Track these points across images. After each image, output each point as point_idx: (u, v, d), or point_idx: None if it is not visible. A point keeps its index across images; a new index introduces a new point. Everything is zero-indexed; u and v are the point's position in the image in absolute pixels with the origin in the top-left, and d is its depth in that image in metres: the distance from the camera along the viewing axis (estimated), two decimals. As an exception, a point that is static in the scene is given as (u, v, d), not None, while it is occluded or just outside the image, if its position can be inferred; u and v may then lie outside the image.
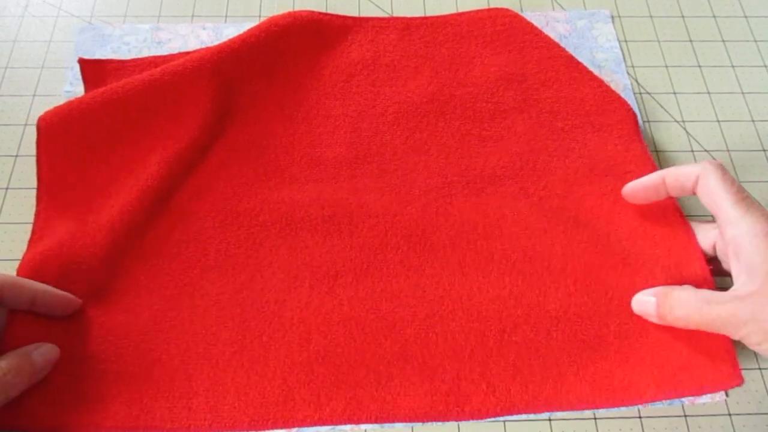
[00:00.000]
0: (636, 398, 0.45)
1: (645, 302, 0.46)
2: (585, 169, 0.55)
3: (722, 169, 0.44)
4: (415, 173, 0.55)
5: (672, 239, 0.50)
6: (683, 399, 0.46)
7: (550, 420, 0.46)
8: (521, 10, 0.66)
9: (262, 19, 0.63)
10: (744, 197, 0.43)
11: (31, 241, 0.50)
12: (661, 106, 0.61)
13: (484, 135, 0.57)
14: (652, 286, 0.47)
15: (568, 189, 0.54)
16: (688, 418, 0.47)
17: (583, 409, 0.45)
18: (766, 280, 0.40)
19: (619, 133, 0.56)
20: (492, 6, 0.66)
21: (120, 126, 0.54)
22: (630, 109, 0.58)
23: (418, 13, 0.66)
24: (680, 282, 0.47)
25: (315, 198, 0.53)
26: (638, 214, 0.52)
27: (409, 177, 0.55)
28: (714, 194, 0.44)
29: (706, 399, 0.47)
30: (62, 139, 0.53)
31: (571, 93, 0.59)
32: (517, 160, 0.56)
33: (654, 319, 0.45)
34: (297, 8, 0.65)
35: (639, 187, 0.50)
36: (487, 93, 0.59)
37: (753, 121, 0.61)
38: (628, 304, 0.48)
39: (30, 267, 0.47)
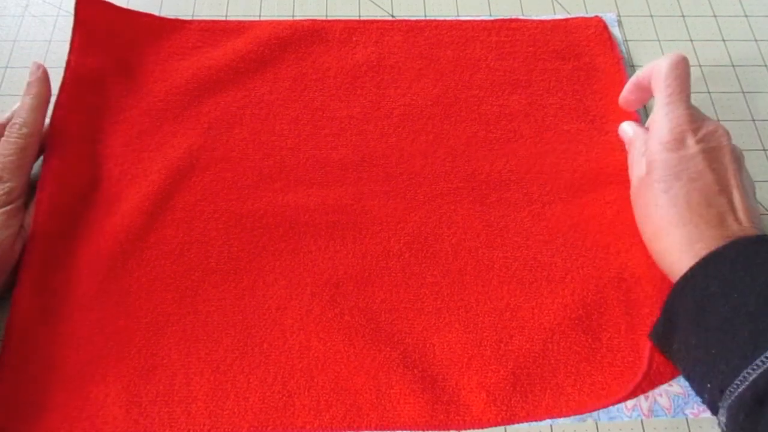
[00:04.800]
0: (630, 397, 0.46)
1: (628, 142, 0.54)
2: (591, 175, 0.55)
3: (675, 63, 0.48)
4: (421, 177, 0.55)
5: None
6: (687, 413, 0.46)
7: (551, 426, 0.46)
8: (522, 14, 0.66)
9: (263, 19, 0.63)
10: (673, 99, 0.47)
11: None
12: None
13: (490, 137, 0.57)
14: (644, 303, 0.49)
15: (573, 194, 0.54)
16: (689, 418, 0.47)
17: (584, 413, 0.46)
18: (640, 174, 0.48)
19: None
20: (493, 5, 0.66)
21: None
22: (636, 116, 0.58)
23: (419, 12, 0.66)
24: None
25: (320, 203, 0.53)
26: (638, 230, 0.51)
27: (415, 181, 0.55)
28: (656, 87, 0.49)
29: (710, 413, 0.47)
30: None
31: (575, 102, 0.59)
32: (524, 164, 0.56)
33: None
34: (297, 7, 0.65)
35: (625, 92, 0.56)
36: (493, 96, 0.59)
37: (753, 120, 0.61)
38: (619, 319, 0.48)
39: (32, 273, 0.48)
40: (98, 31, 0.59)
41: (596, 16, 0.65)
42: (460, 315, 0.49)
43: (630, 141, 0.53)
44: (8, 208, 0.47)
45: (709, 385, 0.39)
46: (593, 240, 0.52)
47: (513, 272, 0.50)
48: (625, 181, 0.54)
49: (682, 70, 0.48)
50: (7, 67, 0.60)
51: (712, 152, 0.46)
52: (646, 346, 0.46)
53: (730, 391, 0.37)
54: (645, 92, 0.54)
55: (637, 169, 0.50)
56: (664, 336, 0.43)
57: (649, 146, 0.48)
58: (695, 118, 0.47)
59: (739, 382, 0.37)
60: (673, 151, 0.46)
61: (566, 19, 0.65)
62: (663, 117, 0.47)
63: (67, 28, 0.63)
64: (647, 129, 0.52)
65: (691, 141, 0.46)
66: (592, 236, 0.52)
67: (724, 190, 0.44)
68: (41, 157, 0.53)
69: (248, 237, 0.51)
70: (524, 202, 0.54)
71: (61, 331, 0.47)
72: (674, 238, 0.44)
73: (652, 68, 0.50)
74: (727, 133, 0.47)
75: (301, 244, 0.51)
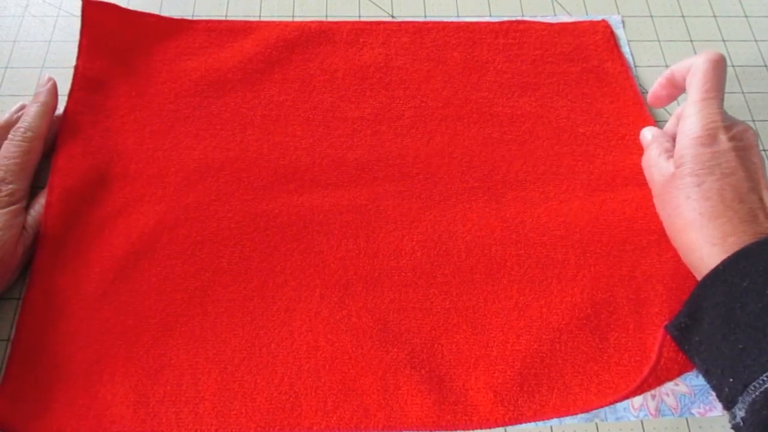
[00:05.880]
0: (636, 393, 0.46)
1: (646, 145, 0.54)
2: (608, 177, 0.55)
3: (716, 62, 0.49)
4: (437, 177, 0.55)
5: (681, 261, 0.50)
6: (693, 411, 0.47)
7: (551, 428, 0.46)
8: (522, 14, 0.66)
9: (263, 20, 0.63)
10: (709, 95, 0.48)
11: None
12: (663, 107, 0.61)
13: (506, 138, 0.57)
14: (654, 302, 0.49)
15: (591, 192, 0.54)
16: (689, 419, 0.47)
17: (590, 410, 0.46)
18: (672, 174, 0.48)
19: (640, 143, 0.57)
20: (493, 6, 0.66)
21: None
22: (652, 120, 0.58)
23: (419, 12, 0.66)
24: (679, 302, 0.48)
25: (335, 203, 0.53)
26: (656, 228, 0.52)
27: (431, 181, 0.55)
28: (692, 83, 0.49)
29: (717, 413, 0.47)
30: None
31: (586, 105, 0.60)
32: (541, 164, 0.56)
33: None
34: (297, 8, 0.65)
35: (657, 88, 0.56)
36: (503, 98, 0.59)
37: (753, 120, 0.61)
38: (628, 318, 0.48)
39: (42, 272, 0.48)
40: (105, 33, 0.59)
41: (603, 20, 0.65)
42: (468, 315, 0.49)
43: (648, 144, 0.54)
44: (11, 208, 0.48)
45: (731, 380, 0.39)
46: (610, 235, 0.52)
47: (524, 270, 0.50)
48: (643, 184, 0.54)
49: (721, 68, 0.49)
50: (7, 67, 0.60)
51: (743, 150, 0.46)
52: (655, 342, 0.46)
53: (755, 387, 0.37)
54: (676, 89, 0.54)
55: (657, 169, 0.51)
56: (685, 328, 0.43)
57: (678, 142, 0.48)
58: (727, 117, 0.48)
59: (766, 378, 0.37)
60: (706, 146, 0.46)
61: (573, 23, 0.65)
62: (695, 113, 0.48)
63: (67, 28, 0.63)
64: (664, 132, 0.53)
65: (723, 137, 0.46)
66: (609, 231, 0.52)
67: (755, 187, 0.45)
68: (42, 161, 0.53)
69: (261, 237, 0.51)
70: (541, 199, 0.54)
71: (70, 330, 0.46)
72: (707, 231, 0.44)
73: (690, 64, 0.50)
74: (756, 135, 0.48)
75: (312, 245, 0.51)
